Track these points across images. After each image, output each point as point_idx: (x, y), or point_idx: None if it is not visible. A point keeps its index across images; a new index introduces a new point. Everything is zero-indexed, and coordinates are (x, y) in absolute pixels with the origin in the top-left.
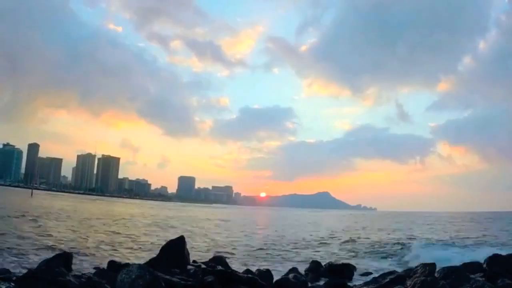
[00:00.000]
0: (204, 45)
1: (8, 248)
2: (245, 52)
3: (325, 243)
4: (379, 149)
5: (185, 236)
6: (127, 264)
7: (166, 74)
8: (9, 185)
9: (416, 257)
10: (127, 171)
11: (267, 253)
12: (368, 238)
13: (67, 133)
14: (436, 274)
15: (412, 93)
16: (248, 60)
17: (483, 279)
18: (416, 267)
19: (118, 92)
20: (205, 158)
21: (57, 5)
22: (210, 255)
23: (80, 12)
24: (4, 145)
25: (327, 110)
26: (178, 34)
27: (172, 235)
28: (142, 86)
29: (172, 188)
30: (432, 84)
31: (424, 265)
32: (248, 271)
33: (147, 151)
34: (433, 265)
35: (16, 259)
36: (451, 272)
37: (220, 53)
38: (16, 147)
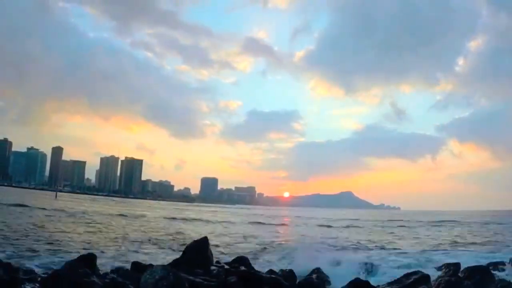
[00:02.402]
0: (209, 53)
1: (33, 249)
2: (247, 59)
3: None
4: (390, 148)
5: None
6: (151, 265)
7: (175, 80)
8: (34, 188)
9: None
10: (146, 173)
11: (289, 253)
12: None
13: (85, 137)
14: (460, 274)
15: (414, 92)
16: (250, 65)
17: (509, 279)
18: (441, 266)
19: (129, 96)
20: (219, 160)
21: (63, 22)
22: (233, 256)
23: (86, 27)
24: (28, 148)
25: (332, 111)
26: (183, 44)
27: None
28: (153, 92)
29: (195, 189)
30: (433, 83)
31: (448, 265)
32: (271, 271)
33: (161, 154)
34: (457, 265)
35: (40, 259)
36: (475, 271)
37: (225, 60)
38: (40, 150)
